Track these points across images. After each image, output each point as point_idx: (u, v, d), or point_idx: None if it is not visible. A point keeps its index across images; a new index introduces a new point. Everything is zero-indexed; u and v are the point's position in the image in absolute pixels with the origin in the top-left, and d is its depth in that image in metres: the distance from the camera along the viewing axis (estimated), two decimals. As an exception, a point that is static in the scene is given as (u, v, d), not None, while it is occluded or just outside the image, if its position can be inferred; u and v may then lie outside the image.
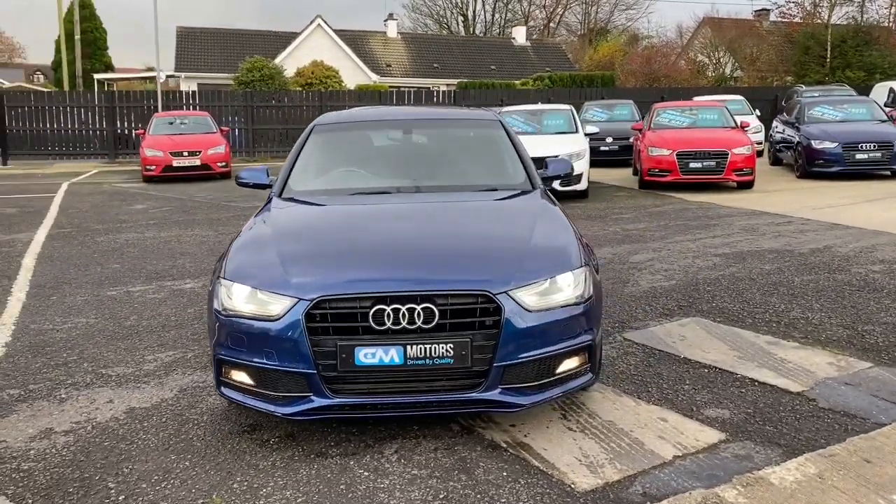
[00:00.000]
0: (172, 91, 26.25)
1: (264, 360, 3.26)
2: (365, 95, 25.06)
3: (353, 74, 35.27)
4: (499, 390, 3.27)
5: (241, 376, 3.37)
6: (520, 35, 45.43)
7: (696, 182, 12.72)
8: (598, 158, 17.88)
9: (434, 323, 3.19)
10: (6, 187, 15.89)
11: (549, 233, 3.80)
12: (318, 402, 3.22)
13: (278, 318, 3.23)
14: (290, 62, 33.16)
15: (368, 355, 3.17)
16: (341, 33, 38.02)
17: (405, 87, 32.06)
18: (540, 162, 11.38)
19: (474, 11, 56.97)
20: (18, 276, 7.24)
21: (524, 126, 13.36)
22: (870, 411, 3.75)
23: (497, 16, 57.96)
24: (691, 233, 8.88)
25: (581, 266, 3.55)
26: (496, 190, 4.54)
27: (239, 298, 3.37)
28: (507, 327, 3.23)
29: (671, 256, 7.51)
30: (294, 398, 3.26)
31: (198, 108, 22.47)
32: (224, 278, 3.50)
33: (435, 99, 24.94)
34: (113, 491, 3.09)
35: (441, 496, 2.99)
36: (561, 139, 12.60)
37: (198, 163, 16.50)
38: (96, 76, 37.14)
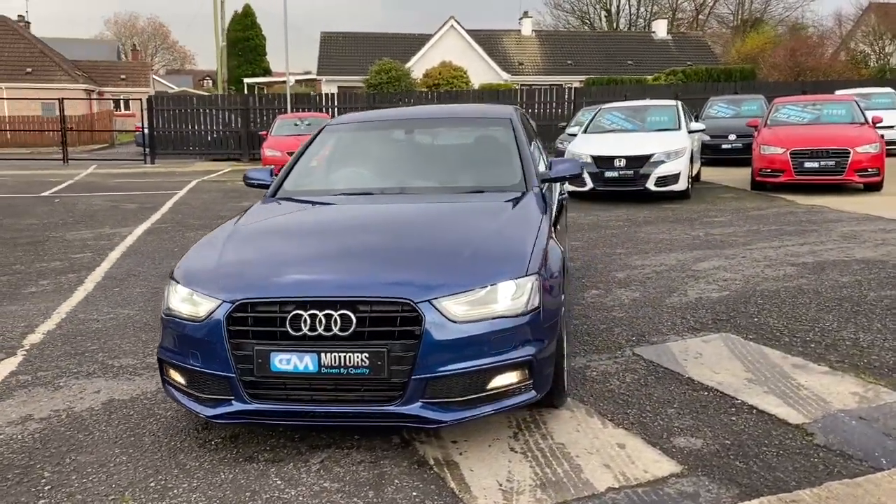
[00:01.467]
0: (308, 94, 27.38)
1: (192, 362, 3.28)
2: (486, 95, 25.00)
3: (484, 74, 35.38)
4: (419, 404, 3.10)
5: (177, 376, 3.41)
6: (661, 28, 43.79)
7: (812, 183, 11.68)
8: (719, 157, 16.93)
9: (351, 331, 3.08)
10: (142, 184, 17.19)
11: (504, 238, 3.58)
12: (238, 406, 3.20)
13: (203, 320, 3.24)
14: (424, 63, 33.78)
15: (283, 361, 3.11)
16: (474, 33, 38.23)
17: (536, 85, 31.74)
18: (637, 160, 10.96)
19: (618, 6, 55.54)
20: (98, 267, 7.77)
21: (624, 123, 12.84)
22: (872, 452, 3.25)
23: (642, 9, 56.18)
24: (779, 239, 8.14)
25: (527, 275, 3.31)
26: (483, 192, 4.35)
27: (177, 299, 3.41)
28: (426, 338, 3.06)
29: (741, 265, 6.91)
30: (218, 401, 3.25)
31: (332, 110, 23.31)
32: (171, 278, 3.55)
33: (566, 96, 24.33)
34: (44, 481, 3.21)
35: (336, 512, 2.88)
36: (660, 137, 11.98)
37: (312, 162, 17.09)
38: (246, 80, 39.47)
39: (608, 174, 11.48)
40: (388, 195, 4.36)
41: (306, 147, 4.95)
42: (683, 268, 6.91)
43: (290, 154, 16.84)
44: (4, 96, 36.79)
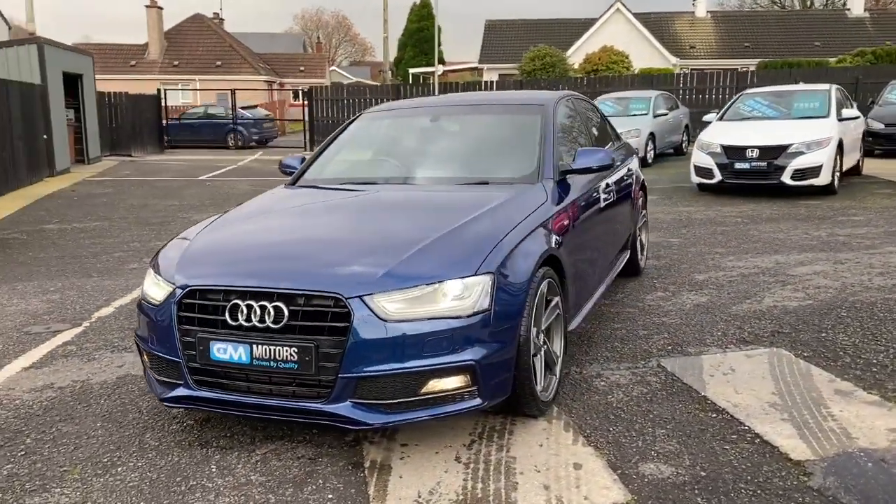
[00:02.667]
0: (475, 82, 27.58)
1: (151, 345, 3.36)
2: (641, 79, 23.91)
3: (650, 58, 33.91)
4: (348, 404, 2.98)
5: (145, 357, 3.51)
6: (857, 5, 39.68)
7: None
8: (894, 148, 15.12)
9: (282, 324, 3.01)
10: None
11: (467, 234, 3.34)
12: (183, 391, 3.24)
13: (160, 305, 3.30)
14: (587, 48, 32.91)
15: (221, 350, 3.10)
16: (642, 17, 36.72)
17: (709, 69, 29.95)
18: (771, 151, 10.01)
19: (813, -19, 51.02)
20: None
21: (766, 110, 11.77)
22: (873, 502, 2.73)
23: (842, -16, 51.19)
24: (914, 243, 7.11)
25: (476, 274, 3.08)
26: (487, 183, 4.11)
27: (149, 283, 3.51)
28: (354, 335, 2.93)
29: (847, 272, 6.10)
30: (170, 384, 3.31)
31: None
32: (150, 264, 3.66)
33: (731, 81, 22.72)
34: (23, 447, 3.43)
35: (244, 506, 2.84)
36: (802, 125, 10.85)
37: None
38: (411, 70, 40.51)
39: (738, 166, 10.57)
40: (391, 185, 4.25)
41: (338, 134, 4.93)
42: (777, 272, 6.20)
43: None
44: (197, 87, 40.26)
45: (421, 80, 35.81)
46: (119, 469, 3.17)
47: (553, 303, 3.68)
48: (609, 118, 6.24)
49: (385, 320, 2.95)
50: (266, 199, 4.31)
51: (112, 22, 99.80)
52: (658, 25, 37.46)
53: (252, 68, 41.71)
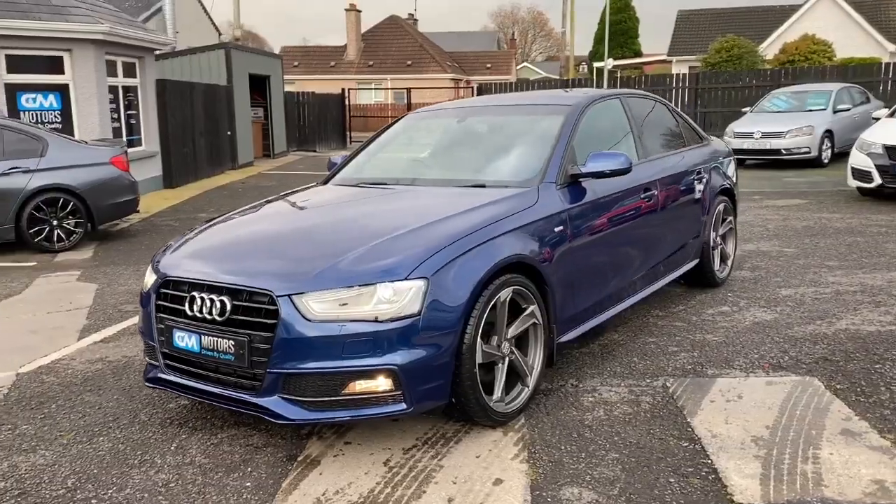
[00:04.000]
0: (664, 76, 26.63)
1: (141, 329, 3.69)
2: (837, 70, 21.74)
3: (862, 46, 30.71)
4: (277, 398, 3.10)
5: (142, 342, 3.85)
6: None
7: None
8: None
9: (225, 317, 3.19)
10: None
11: (418, 238, 3.31)
12: (158, 374, 3.53)
13: (146, 294, 3.62)
14: (788, 37, 30.46)
15: (180, 338, 3.35)
16: (856, 2, 33.27)
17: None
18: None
19: None
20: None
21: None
22: (790, 561, 2.41)
23: None
24: None
25: (410, 279, 3.07)
26: (483, 186, 4.03)
27: (146, 274, 3.83)
28: (280, 332, 3.04)
29: (968, 294, 5.27)
30: (152, 366, 3.61)
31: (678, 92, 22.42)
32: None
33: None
34: (45, 411, 3.90)
35: (171, 485, 3.05)
36: None
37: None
38: (596, 64, 39.70)
39: (902, 169, 9.37)
40: (399, 186, 4.29)
41: (379, 133, 5.06)
42: (880, 291, 5.49)
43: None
44: (388, 86, 42.24)
45: (606, 74, 35.02)
46: (100, 439, 3.52)
47: (527, 311, 3.56)
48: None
49: (310, 320, 3.03)
50: (277, 198, 4.53)
51: (328, 25, 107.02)
52: (874, 10, 33.77)
53: (439, 67, 43.00)
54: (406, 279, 3.08)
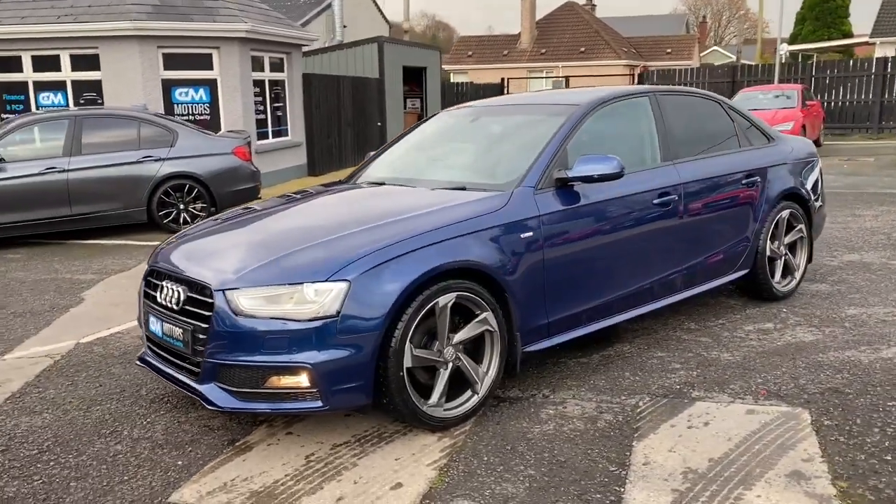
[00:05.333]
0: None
1: (138, 314, 4.07)
2: None
3: None
4: (212, 385, 3.31)
5: (144, 326, 4.21)
6: None
7: None
8: None
9: (180, 307, 3.46)
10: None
11: (356, 239, 3.38)
12: (143, 355, 3.88)
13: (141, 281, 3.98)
14: None
15: (152, 323, 3.67)
16: None
17: None
18: None
19: None
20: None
21: None
22: None
23: None
24: None
25: (331, 280, 3.16)
26: (464, 189, 3.99)
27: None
28: (213, 324, 3.25)
29: None
30: (143, 347, 3.98)
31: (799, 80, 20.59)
32: None
33: None
34: (74, 380, 4.39)
35: (119, 456, 3.36)
36: None
37: (758, 140, 15.62)
38: (790, 47, 36.84)
39: None
40: (389, 186, 4.35)
41: (409, 131, 5.14)
42: (966, 316, 4.79)
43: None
44: (560, 74, 41.75)
45: (809, 58, 32.41)
46: (96, 408, 3.94)
47: (479, 318, 3.53)
48: None
49: (237, 314, 3.21)
50: (285, 196, 4.74)
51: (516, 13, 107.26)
52: None
53: (614, 53, 41.85)
54: (327, 280, 3.17)
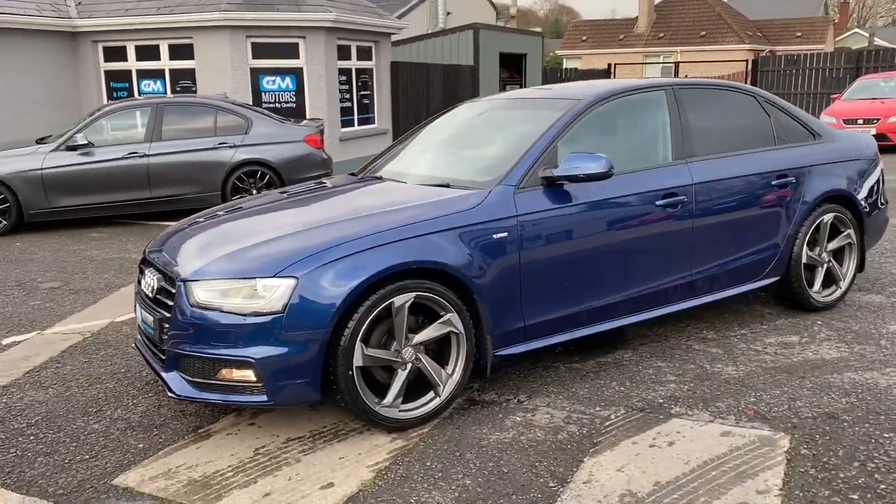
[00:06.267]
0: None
1: (139, 299, 4.25)
2: None
3: None
4: (174, 374, 3.41)
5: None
6: None
7: None
8: None
9: (153, 295, 3.58)
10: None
11: (299, 237, 3.38)
12: (136, 339, 4.05)
13: (139, 268, 4.16)
14: None
15: (137, 309, 3.83)
16: None
17: None
18: None
19: None
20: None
21: None
22: None
23: None
24: None
25: (278, 277, 3.18)
26: (448, 186, 3.90)
27: None
28: (174, 314, 3.35)
29: None
30: (142, 332, 4.15)
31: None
32: None
33: None
34: (91, 358, 4.65)
35: (92, 435, 3.53)
36: None
37: (873, 132, 14.49)
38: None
39: None
40: (390, 181, 4.30)
41: (427, 122, 5.08)
42: None
43: (847, 122, 14.70)
44: (678, 59, 40.15)
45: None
46: (95, 387, 4.15)
47: (443, 319, 3.46)
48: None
49: (193, 306, 3.29)
50: (284, 190, 4.78)
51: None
52: None
53: (736, 37, 39.80)
54: (275, 277, 3.19)
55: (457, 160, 4.32)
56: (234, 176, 9.62)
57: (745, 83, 23.02)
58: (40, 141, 9.47)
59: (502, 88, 20.65)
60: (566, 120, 4.00)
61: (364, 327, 3.26)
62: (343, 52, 13.35)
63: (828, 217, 4.82)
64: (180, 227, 4.13)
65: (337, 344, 3.22)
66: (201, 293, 3.29)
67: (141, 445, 3.41)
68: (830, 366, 4.00)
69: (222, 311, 3.22)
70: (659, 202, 4.07)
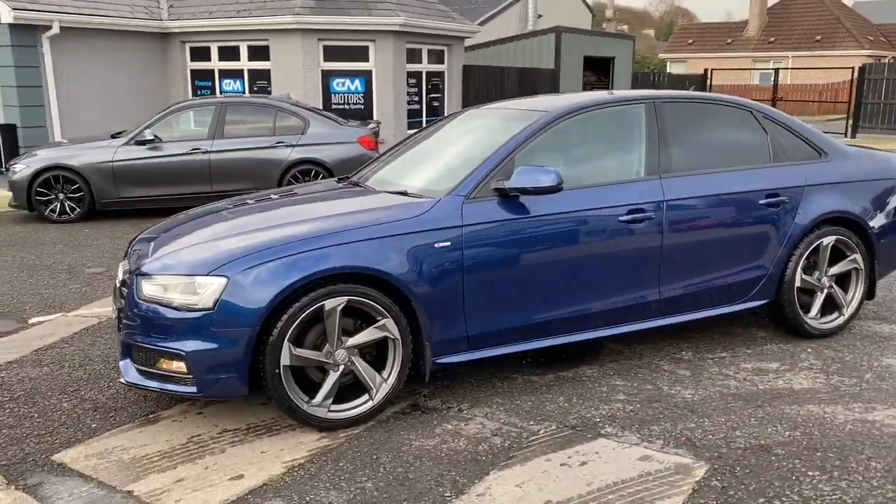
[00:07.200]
0: None
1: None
2: None
3: None
4: (127, 361, 3.65)
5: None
6: None
7: None
8: None
9: (118, 286, 3.84)
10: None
11: (255, 238, 3.52)
12: (119, 327, 4.33)
13: (127, 259, 4.44)
14: None
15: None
16: None
17: None
18: None
19: None
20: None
21: None
22: None
23: None
24: None
25: (211, 275, 3.35)
26: (405, 194, 3.97)
27: None
28: (125, 306, 3.59)
29: None
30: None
31: None
32: None
33: None
34: (98, 341, 5.01)
35: (57, 413, 3.82)
36: None
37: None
38: None
39: None
40: (358, 187, 4.41)
41: (425, 128, 5.16)
42: None
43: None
44: (788, 65, 38.35)
45: None
46: (84, 369, 4.46)
47: (378, 324, 3.54)
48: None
49: (140, 299, 3.51)
50: (277, 190, 4.95)
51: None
52: None
53: (855, 42, 37.60)
54: (208, 275, 3.36)
55: (424, 169, 4.37)
56: (289, 174, 9.98)
57: (851, 91, 21.77)
58: (115, 135, 10.14)
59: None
60: (527, 133, 4.00)
61: (293, 328, 3.38)
62: (414, 56, 13.57)
63: (828, 240, 4.57)
64: (165, 224, 4.38)
65: (265, 342, 3.36)
66: (147, 287, 3.50)
67: (94, 425, 3.67)
68: (795, 396, 3.82)
69: (162, 306, 3.42)
70: (623, 218, 4.00)
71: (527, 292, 3.85)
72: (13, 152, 11.81)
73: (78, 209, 9.57)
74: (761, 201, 4.37)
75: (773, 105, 24.13)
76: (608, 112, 4.25)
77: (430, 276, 3.61)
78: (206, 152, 9.86)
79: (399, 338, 3.59)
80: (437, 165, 4.33)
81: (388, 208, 3.74)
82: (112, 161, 9.60)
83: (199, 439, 3.50)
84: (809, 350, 4.48)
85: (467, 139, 4.45)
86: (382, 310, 3.53)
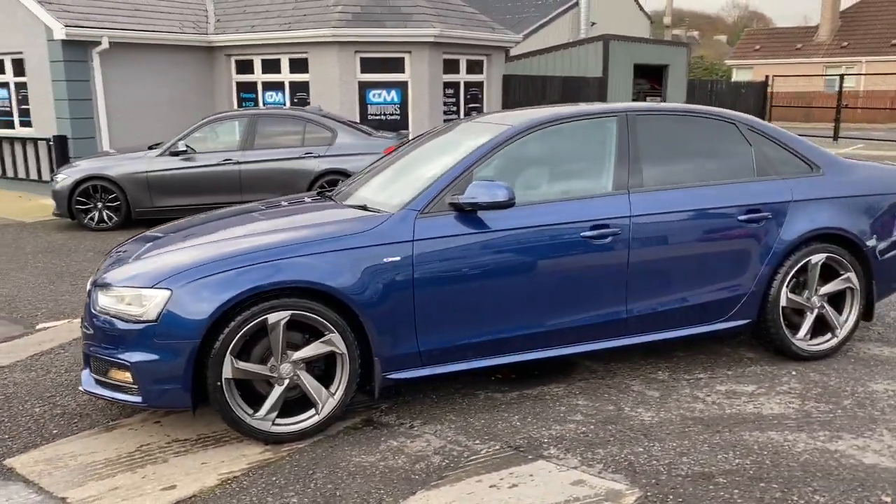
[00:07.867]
0: None
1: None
2: None
3: None
4: (87, 370, 3.75)
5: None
6: None
7: None
8: None
9: (87, 296, 3.96)
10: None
11: (204, 252, 3.57)
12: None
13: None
14: None
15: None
16: None
17: None
18: None
19: None
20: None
21: None
22: None
23: None
24: None
25: (155, 288, 3.42)
26: (364, 208, 3.97)
27: None
28: (85, 316, 3.70)
29: None
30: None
31: None
32: None
33: None
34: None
35: (27, 417, 3.96)
36: None
37: None
38: None
39: None
40: (325, 201, 4.42)
41: (403, 145, 5.15)
42: None
43: None
44: (863, 71, 36.85)
45: None
46: (69, 374, 4.61)
47: (324, 339, 3.55)
48: None
49: (95, 311, 3.61)
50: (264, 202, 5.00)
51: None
52: None
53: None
54: (153, 288, 3.44)
55: (395, 183, 4.35)
56: (317, 184, 10.12)
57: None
58: (152, 147, 10.48)
59: (640, 100, 20.01)
60: (487, 148, 3.95)
61: (235, 341, 3.42)
62: (451, 66, 13.59)
63: (817, 257, 4.36)
64: (141, 235, 4.50)
65: (207, 355, 3.41)
66: (102, 298, 3.60)
67: (56, 431, 3.79)
68: (760, 422, 3.64)
69: (112, 317, 3.51)
70: (585, 233, 3.90)
71: (483, 308, 3.79)
72: (64, 162, 12.33)
73: (115, 218, 9.92)
74: (741, 217, 4.20)
75: (838, 112, 23.21)
76: (575, 126, 4.17)
77: (379, 290, 3.60)
78: (238, 163, 10.09)
79: (346, 352, 3.59)
80: (406, 179, 4.31)
81: (343, 222, 3.75)
82: (147, 171, 9.92)
83: (148, 448, 3.56)
84: (794, 373, 4.27)
85: (438, 153, 4.42)
86: (328, 324, 3.54)
